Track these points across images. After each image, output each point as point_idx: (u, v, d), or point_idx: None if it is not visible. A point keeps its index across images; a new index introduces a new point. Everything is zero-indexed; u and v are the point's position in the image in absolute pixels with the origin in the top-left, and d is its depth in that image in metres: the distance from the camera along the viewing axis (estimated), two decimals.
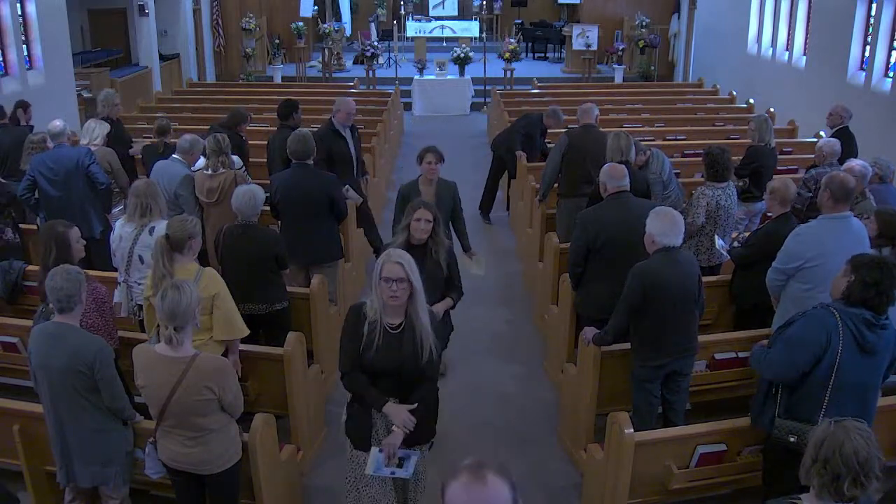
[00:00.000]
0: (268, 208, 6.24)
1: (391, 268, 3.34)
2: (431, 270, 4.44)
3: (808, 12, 12.03)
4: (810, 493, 2.54)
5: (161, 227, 4.82)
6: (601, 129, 7.07)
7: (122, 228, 5.06)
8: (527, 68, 17.94)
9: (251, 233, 5.06)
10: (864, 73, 10.09)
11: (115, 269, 6.15)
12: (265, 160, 7.65)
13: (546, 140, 8.76)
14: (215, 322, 4.31)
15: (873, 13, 9.90)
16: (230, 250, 4.97)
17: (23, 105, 8.27)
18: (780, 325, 3.82)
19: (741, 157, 6.92)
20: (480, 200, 9.42)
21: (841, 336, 3.49)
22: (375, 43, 16.68)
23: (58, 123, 6.54)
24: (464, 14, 19.99)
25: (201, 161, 6.56)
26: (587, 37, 16.45)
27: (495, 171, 9.32)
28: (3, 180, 6.71)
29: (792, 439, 3.62)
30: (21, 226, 6.52)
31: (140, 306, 4.95)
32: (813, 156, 6.90)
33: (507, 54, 15.79)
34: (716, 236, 5.57)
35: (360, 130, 10.90)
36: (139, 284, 4.92)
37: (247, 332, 4.46)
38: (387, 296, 3.35)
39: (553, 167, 6.97)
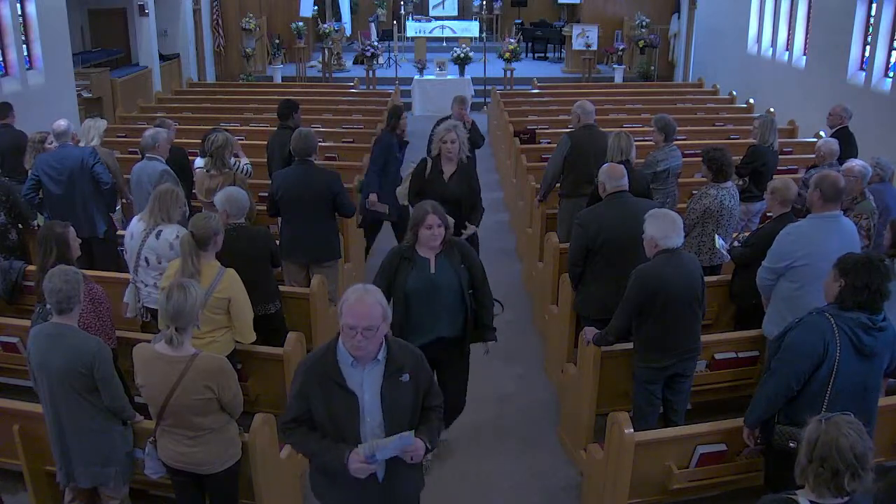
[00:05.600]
0: (264, 208, 6.26)
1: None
2: None
3: (808, 12, 12.03)
4: (805, 489, 2.55)
5: (167, 231, 4.83)
6: (601, 130, 7.07)
7: (135, 226, 5.06)
8: (527, 68, 17.94)
9: (244, 233, 5.05)
10: (864, 73, 10.08)
11: (118, 269, 6.19)
12: (265, 160, 7.65)
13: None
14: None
15: (873, 13, 9.90)
16: (226, 253, 4.94)
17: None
18: (777, 336, 3.80)
19: (742, 157, 6.93)
20: None
21: (838, 342, 3.47)
22: (375, 43, 16.67)
23: (62, 123, 6.52)
24: (464, 14, 19.99)
25: (199, 161, 6.56)
26: (587, 37, 16.45)
27: None
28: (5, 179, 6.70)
29: (792, 445, 3.59)
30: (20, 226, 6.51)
31: (147, 308, 4.97)
32: (813, 156, 6.90)
33: (507, 54, 15.79)
34: (716, 236, 5.56)
35: (358, 131, 10.94)
36: (146, 286, 4.93)
37: (253, 338, 4.52)
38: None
39: (555, 168, 6.93)
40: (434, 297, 4.24)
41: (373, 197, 6.96)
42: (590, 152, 6.70)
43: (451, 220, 4.41)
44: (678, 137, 10.08)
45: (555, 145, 7.47)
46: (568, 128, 7.67)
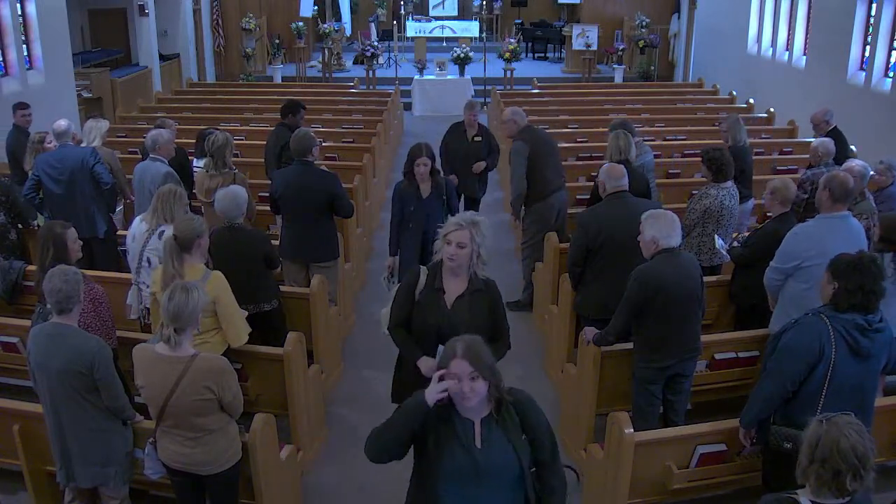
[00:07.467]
0: (265, 208, 6.27)
1: None
2: None
3: (808, 12, 12.04)
4: (806, 489, 2.55)
5: (170, 231, 4.81)
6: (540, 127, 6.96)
7: (137, 227, 5.06)
8: (527, 68, 17.95)
9: (239, 234, 5.04)
10: (864, 73, 10.09)
11: (119, 270, 6.19)
12: (264, 160, 7.67)
13: (476, 135, 7.47)
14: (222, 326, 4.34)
15: (873, 13, 9.91)
16: (221, 252, 4.93)
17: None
18: (774, 335, 3.80)
19: None
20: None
21: (834, 343, 3.48)
22: (375, 43, 16.69)
23: (62, 123, 6.52)
24: (464, 14, 19.99)
25: (197, 161, 6.58)
26: (587, 37, 16.46)
27: None
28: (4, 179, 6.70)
29: (787, 446, 3.60)
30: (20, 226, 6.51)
31: (149, 309, 4.95)
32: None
33: (507, 54, 15.80)
34: (716, 236, 5.56)
35: (358, 131, 10.95)
36: (148, 287, 4.91)
37: (244, 341, 4.46)
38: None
39: (521, 176, 6.52)
40: (480, 488, 2.67)
41: (389, 261, 5.83)
42: (546, 149, 6.60)
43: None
44: (678, 137, 10.15)
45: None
46: (508, 139, 6.96)
